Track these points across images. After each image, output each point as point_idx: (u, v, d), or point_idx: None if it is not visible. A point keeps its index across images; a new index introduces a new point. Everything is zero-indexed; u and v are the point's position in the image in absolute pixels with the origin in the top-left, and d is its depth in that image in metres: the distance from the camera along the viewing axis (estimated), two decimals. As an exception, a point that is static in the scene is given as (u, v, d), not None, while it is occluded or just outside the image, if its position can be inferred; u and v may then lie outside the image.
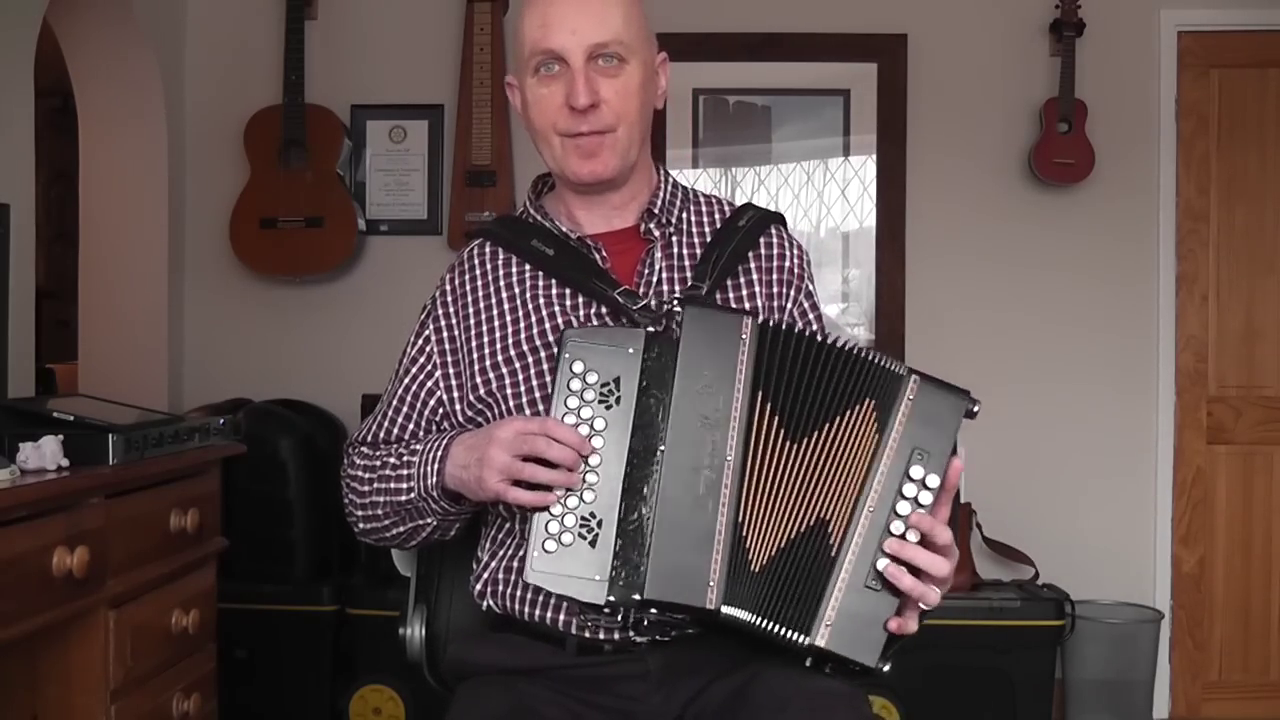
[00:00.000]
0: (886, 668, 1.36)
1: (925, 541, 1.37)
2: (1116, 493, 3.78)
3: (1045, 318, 3.78)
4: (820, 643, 1.35)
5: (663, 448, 1.37)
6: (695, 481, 1.36)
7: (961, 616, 3.25)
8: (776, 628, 1.36)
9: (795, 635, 1.36)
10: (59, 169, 5.71)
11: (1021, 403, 3.76)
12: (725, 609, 1.35)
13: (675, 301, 1.46)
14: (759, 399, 1.39)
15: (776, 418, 1.39)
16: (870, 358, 1.40)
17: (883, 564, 1.35)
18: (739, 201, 1.72)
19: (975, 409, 1.39)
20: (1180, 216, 3.78)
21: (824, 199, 3.84)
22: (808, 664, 1.38)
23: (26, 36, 2.91)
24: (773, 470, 1.38)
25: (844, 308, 3.84)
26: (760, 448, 1.38)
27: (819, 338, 1.42)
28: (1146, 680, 3.51)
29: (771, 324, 1.42)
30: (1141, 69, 3.77)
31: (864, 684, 1.44)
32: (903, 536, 1.36)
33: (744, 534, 1.37)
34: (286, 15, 3.68)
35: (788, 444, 1.39)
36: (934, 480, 1.37)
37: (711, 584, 1.35)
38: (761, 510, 1.38)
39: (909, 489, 1.37)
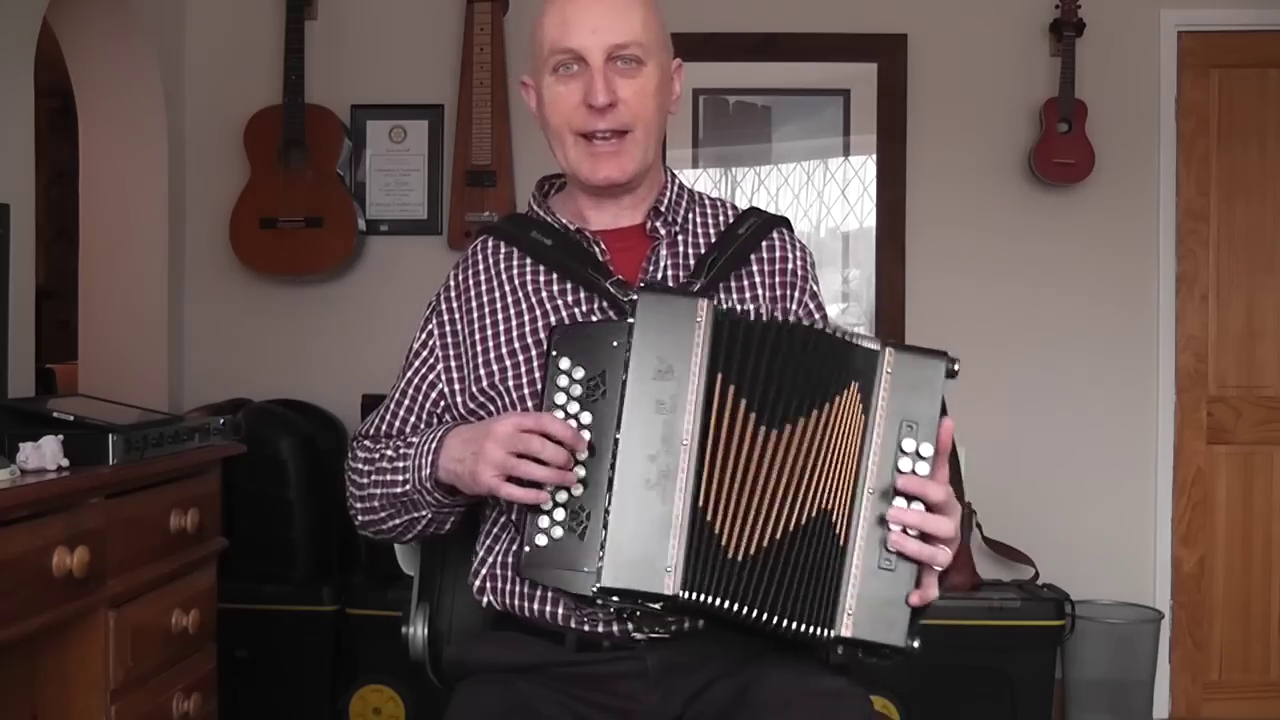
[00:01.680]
0: (916, 644, 1.35)
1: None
2: (1116, 493, 3.78)
3: (1045, 318, 3.79)
4: (846, 633, 1.34)
5: (617, 435, 1.37)
6: (649, 468, 1.36)
7: (961, 616, 3.25)
8: (795, 624, 1.35)
9: (818, 630, 1.35)
10: (59, 169, 5.72)
11: (1021, 403, 3.77)
12: (687, 594, 1.34)
13: (634, 290, 1.45)
14: (719, 382, 1.37)
15: (744, 401, 1.37)
16: (840, 335, 1.39)
17: (890, 537, 1.35)
18: (741, 202, 1.72)
19: (956, 367, 1.38)
20: (1180, 216, 3.78)
21: (824, 199, 3.84)
22: (840, 652, 1.37)
23: (26, 36, 2.91)
24: (746, 455, 1.37)
25: (844, 308, 3.84)
26: (726, 432, 1.37)
27: (786, 321, 1.40)
28: (1146, 680, 3.51)
29: (731, 308, 1.40)
30: (1141, 69, 3.77)
31: (863, 684, 1.44)
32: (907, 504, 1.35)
33: (710, 519, 1.36)
34: (286, 15, 3.68)
35: (765, 429, 1.37)
36: (927, 449, 1.36)
37: (669, 570, 1.34)
38: (736, 496, 1.36)
39: (904, 463, 1.36)
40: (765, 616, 1.35)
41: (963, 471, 3.64)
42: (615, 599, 1.36)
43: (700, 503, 1.36)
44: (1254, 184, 3.79)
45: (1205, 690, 3.78)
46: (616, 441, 1.37)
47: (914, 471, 1.36)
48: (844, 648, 1.36)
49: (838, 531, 1.36)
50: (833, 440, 1.37)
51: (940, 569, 1.37)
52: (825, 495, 1.37)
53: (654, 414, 1.36)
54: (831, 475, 1.37)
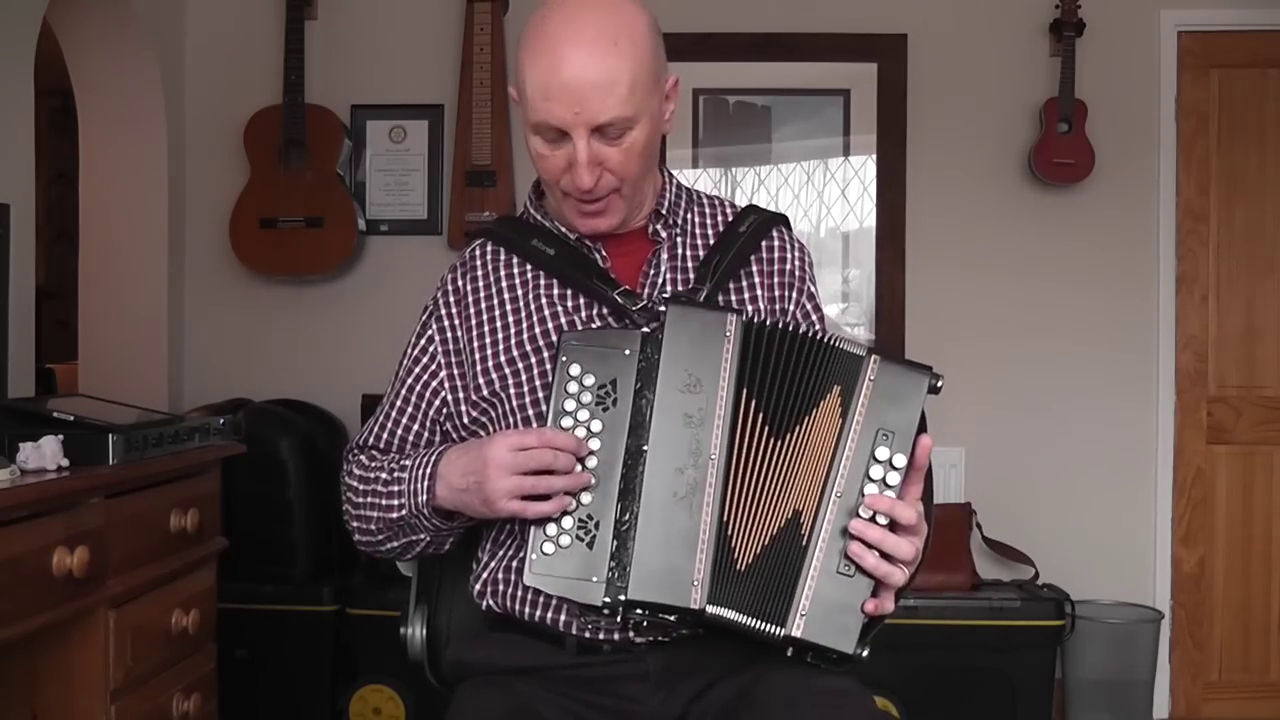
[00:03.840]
0: (865, 653, 1.35)
1: (889, 522, 1.36)
2: (1116, 493, 3.78)
3: (1045, 318, 3.78)
4: (796, 633, 1.34)
5: (646, 447, 1.37)
6: (678, 481, 1.36)
7: (961, 616, 3.24)
8: (753, 622, 1.35)
9: (770, 628, 1.35)
10: (59, 169, 5.72)
11: (1022, 403, 3.76)
12: (710, 609, 1.35)
13: (661, 301, 1.45)
14: (744, 396, 1.38)
15: (761, 414, 1.38)
16: (833, 343, 1.40)
17: (850, 548, 1.34)
18: (740, 202, 1.71)
19: (939, 384, 1.38)
20: (1180, 216, 3.78)
21: (824, 199, 3.84)
22: (789, 654, 1.37)
23: (26, 36, 2.91)
24: (757, 467, 1.38)
25: (844, 308, 3.84)
26: (746, 445, 1.38)
27: (800, 331, 1.41)
28: (1146, 680, 3.51)
29: (757, 321, 1.41)
30: (1141, 69, 3.77)
31: (863, 683, 1.44)
32: (873, 519, 1.35)
33: (729, 533, 1.36)
34: (286, 15, 3.68)
35: (772, 440, 1.38)
36: (901, 460, 1.36)
37: (696, 583, 1.34)
38: (746, 508, 1.37)
39: (876, 471, 1.36)
40: (738, 618, 1.35)
41: (961, 482, 3.63)
42: (639, 611, 1.36)
43: (724, 516, 1.36)
44: (1254, 184, 3.79)
45: (1205, 690, 3.78)
46: (644, 452, 1.37)
47: (885, 480, 1.36)
48: (793, 649, 1.36)
49: (803, 531, 1.36)
50: (810, 442, 1.38)
51: (896, 588, 1.36)
52: (799, 496, 1.38)
53: (683, 427, 1.37)
54: (804, 476, 1.38)
